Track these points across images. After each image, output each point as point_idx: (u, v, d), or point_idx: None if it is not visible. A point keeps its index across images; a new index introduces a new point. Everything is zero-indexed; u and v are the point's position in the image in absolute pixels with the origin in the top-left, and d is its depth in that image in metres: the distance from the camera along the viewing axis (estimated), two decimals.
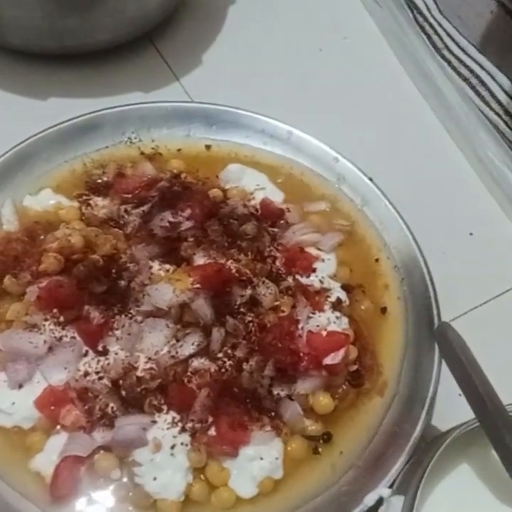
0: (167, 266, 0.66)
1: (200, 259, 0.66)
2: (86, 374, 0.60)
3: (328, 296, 0.67)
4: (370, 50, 0.95)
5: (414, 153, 0.84)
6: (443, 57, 0.87)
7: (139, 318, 0.62)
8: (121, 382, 0.59)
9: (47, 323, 0.62)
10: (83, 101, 0.82)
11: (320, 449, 0.61)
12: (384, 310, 0.69)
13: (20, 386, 0.60)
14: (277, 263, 0.68)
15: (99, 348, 0.61)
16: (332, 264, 0.70)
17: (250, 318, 0.63)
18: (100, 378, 0.60)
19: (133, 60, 0.87)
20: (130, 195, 0.71)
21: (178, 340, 0.61)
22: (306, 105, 0.85)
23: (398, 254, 0.71)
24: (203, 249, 0.67)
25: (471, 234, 0.79)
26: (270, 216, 0.72)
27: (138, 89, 0.84)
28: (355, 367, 0.64)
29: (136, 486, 0.57)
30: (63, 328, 0.62)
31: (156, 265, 0.66)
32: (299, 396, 0.61)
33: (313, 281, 0.68)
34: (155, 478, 0.57)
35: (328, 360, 0.61)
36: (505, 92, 0.82)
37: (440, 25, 0.88)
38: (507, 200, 0.80)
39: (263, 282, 0.65)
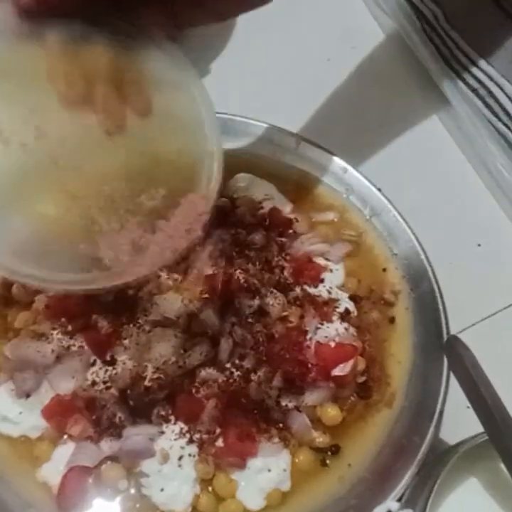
0: (175, 275, 0.66)
1: (208, 269, 0.66)
2: (94, 383, 0.60)
3: (336, 307, 0.67)
4: (377, 60, 0.95)
5: (423, 164, 0.84)
6: (451, 67, 0.86)
7: (147, 327, 0.62)
8: (128, 391, 0.59)
9: (55, 332, 0.62)
10: None
11: (328, 461, 0.60)
12: (392, 320, 0.69)
13: (28, 395, 0.60)
14: (285, 273, 0.68)
15: (107, 358, 0.61)
16: (340, 274, 0.70)
17: (258, 329, 0.63)
18: (108, 388, 0.59)
19: None
20: None
21: (185, 350, 0.61)
22: (314, 115, 0.85)
23: (406, 265, 0.71)
24: (211, 258, 0.67)
25: (479, 245, 0.79)
26: (278, 226, 0.72)
27: None
28: (363, 378, 0.64)
29: (143, 497, 0.57)
30: (71, 338, 0.62)
31: (164, 275, 0.66)
32: (307, 407, 0.61)
33: (321, 291, 0.68)
34: (162, 489, 0.56)
35: (336, 372, 0.61)
36: None
37: (448, 36, 0.88)
38: None
39: (271, 292, 0.65)
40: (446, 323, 0.67)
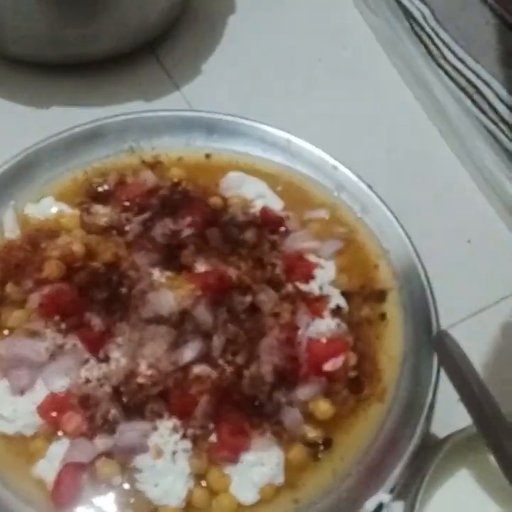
0: (168, 273, 0.66)
1: (200, 267, 0.67)
2: (87, 381, 0.60)
3: (328, 303, 0.67)
4: (368, 59, 0.96)
5: (413, 162, 0.84)
6: (440, 66, 0.87)
7: (140, 324, 0.62)
8: (122, 388, 0.60)
9: (48, 330, 0.62)
10: (85, 110, 0.83)
11: (320, 455, 0.61)
12: (383, 316, 0.69)
13: (22, 393, 0.60)
14: (277, 270, 0.68)
15: (101, 355, 0.61)
16: (331, 271, 0.71)
17: (250, 325, 0.63)
18: (101, 385, 0.60)
19: (134, 70, 0.88)
20: (131, 203, 0.72)
21: (178, 347, 0.62)
22: (305, 114, 0.86)
23: (397, 261, 0.72)
24: (204, 256, 0.67)
25: (469, 241, 0.80)
26: (270, 224, 0.72)
27: (139, 99, 0.84)
28: (354, 373, 0.64)
29: (138, 492, 0.57)
30: (65, 335, 0.62)
31: (156, 272, 0.66)
32: (299, 402, 0.61)
33: (312, 288, 0.69)
34: (156, 485, 0.57)
35: (327, 367, 0.62)
36: (502, 101, 0.82)
37: (437, 34, 0.89)
38: (504, 207, 0.81)
39: (263, 289, 0.66)
40: (437, 319, 0.67)
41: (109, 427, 0.58)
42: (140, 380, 0.60)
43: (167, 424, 0.59)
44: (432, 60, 0.88)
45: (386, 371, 0.66)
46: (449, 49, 0.87)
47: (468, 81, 0.84)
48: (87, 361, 0.61)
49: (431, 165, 0.85)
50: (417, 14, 0.90)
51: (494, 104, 0.82)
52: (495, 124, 0.81)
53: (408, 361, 0.66)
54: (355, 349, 0.65)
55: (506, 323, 0.74)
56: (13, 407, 0.59)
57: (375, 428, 0.62)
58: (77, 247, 0.66)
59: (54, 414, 0.59)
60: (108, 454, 0.58)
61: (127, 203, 0.72)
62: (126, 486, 0.57)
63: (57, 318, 0.63)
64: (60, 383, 0.60)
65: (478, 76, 0.84)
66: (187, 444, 0.58)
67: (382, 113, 0.89)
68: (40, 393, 0.60)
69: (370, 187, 0.75)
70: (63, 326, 0.62)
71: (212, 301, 0.63)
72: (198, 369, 0.61)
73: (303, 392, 0.62)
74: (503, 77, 0.83)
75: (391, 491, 0.57)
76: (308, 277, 0.69)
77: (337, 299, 0.68)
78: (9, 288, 0.64)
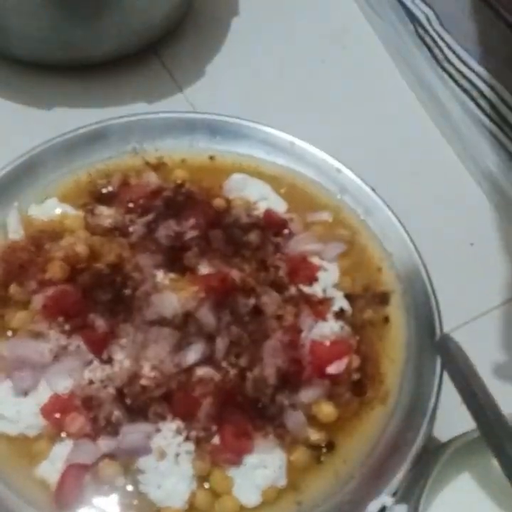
0: (171, 275, 0.66)
1: (204, 268, 0.67)
2: (91, 382, 0.60)
3: (331, 306, 0.67)
4: (371, 61, 0.96)
5: (416, 164, 0.85)
6: (444, 69, 0.88)
7: (144, 326, 0.62)
8: (125, 390, 0.60)
9: (52, 331, 0.62)
10: (88, 111, 0.83)
11: (323, 458, 0.61)
12: (386, 319, 0.69)
13: (26, 394, 0.60)
14: (280, 272, 0.68)
15: (104, 357, 0.61)
16: (335, 273, 0.71)
17: (254, 327, 0.63)
18: (105, 386, 0.60)
19: (137, 72, 0.88)
20: (135, 205, 0.72)
21: (182, 349, 0.62)
22: (308, 116, 0.86)
23: (400, 264, 0.72)
24: (207, 258, 0.67)
25: (472, 244, 0.80)
26: (273, 226, 0.72)
27: (142, 100, 0.85)
28: (357, 376, 0.64)
29: (141, 493, 0.57)
30: (68, 337, 0.62)
31: (160, 274, 0.66)
32: (302, 405, 0.61)
33: (316, 290, 0.69)
34: (159, 486, 0.57)
35: (331, 369, 0.62)
36: (505, 104, 0.82)
37: (441, 37, 0.90)
38: (507, 210, 0.81)
39: (266, 292, 0.66)
40: (440, 322, 0.67)
41: (113, 429, 0.58)
42: (143, 381, 0.60)
43: (170, 426, 0.59)
44: (435, 62, 0.88)
45: (389, 374, 0.66)
46: (453, 52, 0.87)
47: (472, 84, 0.84)
48: (90, 362, 0.61)
49: (434, 168, 0.85)
50: (421, 17, 0.91)
51: (498, 107, 0.82)
52: (498, 126, 0.81)
53: (411, 364, 0.66)
54: (358, 352, 0.65)
55: (509, 326, 0.74)
56: (17, 408, 0.59)
57: (378, 431, 0.62)
58: (81, 249, 0.66)
59: (57, 415, 0.59)
60: (111, 456, 0.58)
61: (131, 205, 0.72)
62: (129, 487, 0.57)
63: (60, 319, 0.63)
64: (63, 384, 0.60)
65: (481, 79, 0.84)
66: (190, 446, 0.58)
67: (385, 115, 0.89)
68: (43, 394, 0.60)
69: (373, 189, 0.75)
70: (67, 327, 0.62)
71: (215, 303, 0.63)
72: (201, 371, 0.61)
73: (306, 395, 0.61)
74: (506, 79, 0.83)
75: (394, 494, 0.57)
76: (312, 280, 0.69)
77: (340, 302, 0.68)
78: (13, 289, 0.64)
